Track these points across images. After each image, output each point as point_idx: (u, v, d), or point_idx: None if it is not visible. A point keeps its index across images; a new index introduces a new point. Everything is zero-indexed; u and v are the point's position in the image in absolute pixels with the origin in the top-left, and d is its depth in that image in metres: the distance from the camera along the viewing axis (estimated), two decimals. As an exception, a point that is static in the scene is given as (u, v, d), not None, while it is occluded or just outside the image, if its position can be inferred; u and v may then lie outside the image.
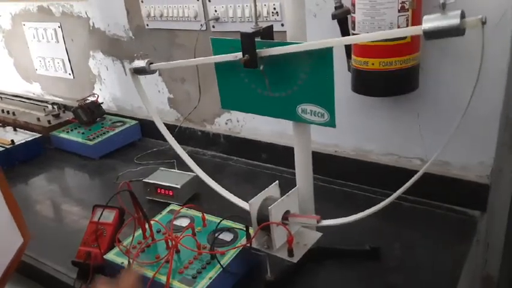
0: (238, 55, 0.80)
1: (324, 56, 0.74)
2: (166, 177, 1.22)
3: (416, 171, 0.76)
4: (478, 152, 1.03)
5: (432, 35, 0.61)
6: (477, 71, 0.79)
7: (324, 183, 1.22)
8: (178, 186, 1.17)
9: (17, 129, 1.68)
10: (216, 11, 1.31)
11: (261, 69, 0.79)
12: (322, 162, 1.18)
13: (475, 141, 1.01)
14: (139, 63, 1.00)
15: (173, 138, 1.05)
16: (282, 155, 1.26)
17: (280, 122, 0.87)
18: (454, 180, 1.06)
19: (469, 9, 0.90)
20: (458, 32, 0.59)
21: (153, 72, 1.01)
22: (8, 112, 1.86)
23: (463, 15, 0.59)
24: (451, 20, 0.59)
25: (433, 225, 1.03)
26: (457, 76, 0.99)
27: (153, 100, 1.60)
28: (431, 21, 0.60)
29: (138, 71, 1.01)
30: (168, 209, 1.08)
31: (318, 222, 0.83)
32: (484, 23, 0.58)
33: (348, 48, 1.02)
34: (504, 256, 1.17)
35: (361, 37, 0.73)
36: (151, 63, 1.00)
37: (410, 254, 0.94)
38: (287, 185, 0.90)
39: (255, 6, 0.81)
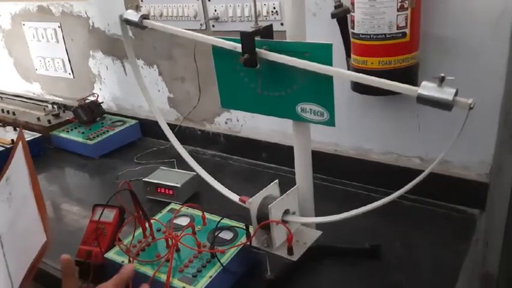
0: (238, 46, 0.80)
1: (323, 55, 0.74)
2: (167, 177, 1.22)
3: (416, 170, 0.76)
4: (478, 151, 1.03)
5: (423, 101, 0.66)
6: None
7: (324, 182, 1.23)
8: (179, 185, 1.18)
9: (17, 128, 1.69)
10: (215, 10, 1.31)
11: (257, 68, 0.79)
12: (322, 161, 1.18)
13: (475, 140, 1.01)
14: (132, 14, 0.93)
15: (172, 133, 1.04)
16: (282, 154, 1.26)
17: (280, 121, 0.87)
18: (454, 179, 1.06)
19: (470, 8, 0.92)
20: (447, 107, 0.64)
21: (143, 27, 0.94)
22: (8, 112, 1.87)
23: (456, 94, 0.64)
24: (445, 95, 0.64)
25: (432, 224, 1.03)
26: (456, 75, 0.98)
27: (153, 100, 1.60)
28: (427, 90, 0.65)
29: (129, 22, 0.96)
30: (168, 208, 1.09)
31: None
32: (471, 108, 0.62)
33: (348, 47, 1.02)
34: (503, 254, 1.17)
35: (360, 78, 0.75)
36: (146, 19, 0.93)
37: (410, 252, 0.95)
38: (287, 184, 0.90)
39: (255, 5, 0.82)
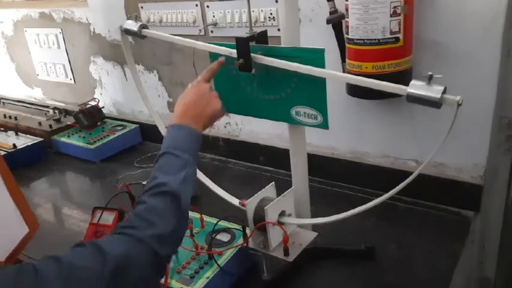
0: (233, 52, 0.81)
1: (316, 59, 0.76)
2: (166, 180, 1.23)
3: (411, 173, 0.77)
4: (473, 154, 1.04)
5: (413, 99, 0.68)
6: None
7: (321, 185, 1.24)
8: (177, 189, 1.19)
9: (19, 133, 1.71)
10: (214, 16, 1.33)
11: (252, 73, 0.81)
12: (319, 164, 1.20)
13: (469, 143, 1.03)
14: (131, 24, 0.96)
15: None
16: (280, 158, 1.27)
17: (277, 125, 0.89)
18: (449, 181, 1.07)
19: (461, 13, 0.94)
20: (436, 105, 0.66)
21: (143, 37, 0.97)
22: (10, 117, 1.89)
23: (444, 92, 0.65)
24: (433, 93, 0.65)
25: (427, 226, 1.05)
26: (449, 78, 1.00)
27: (153, 105, 1.61)
28: (416, 89, 0.67)
29: (128, 32, 0.98)
30: (167, 210, 1.10)
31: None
32: (459, 105, 0.63)
33: (343, 52, 1.04)
34: (500, 257, 1.18)
35: (350, 79, 0.79)
36: (145, 28, 0.96)
37: (405, 254, 0.96)
38: (284, 186, 0.92)
39: (250, 12, 0.84)
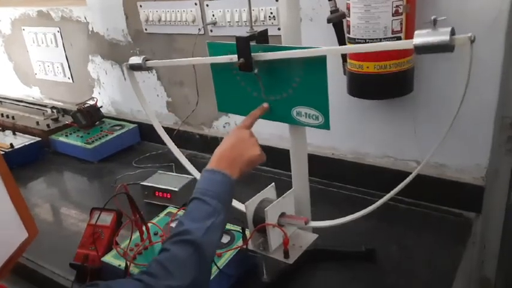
0: (234, 57, 0.81)
1: (317, 59, 0.75)
2: (164, 180, 1.23)
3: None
4: (474, 154, 1.03)
5: (423, 49, 0.63)
6: (471, 76, 0.80)
7: (321, 186, 1.23)
8: (176, 189, 1.18)
9: (16, 133, 1.69)
10: (213, 15, 1.32)
11: (255, 73, 0.80)
12: (319, 165, 1.19)
13: (471, 143, 1.02)
14: (136, 59, 1.00)
15: (169, 137, 1.05)
16: (280, 158, 1.26)
17: (277, 125, 0.87)
18: (450, 182, 1.06)
19: (463, 12, 0.93)
20: (448, 48, 0.61)
21: (149, 69, 1.02)
22: (7, 116, 1.87)
23: (453, 32, 0.61)
24: (441, 36, 0.61)
25: (428, 227, 1.04)
26: (451, 78, 1.00)
27: (152, 104, 1.61)
28: (422, 37, 0.63)
29: (134, 67, 1.02)
30: (165, 211, 1.09)
31: (306, 223, 0.84)
32: (472, 41, 0.59)
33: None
34: (500, 258, 1.18)
35: (353, 48, 0.76)
36: (148, 60, 1.00)
37: (406, 256, 0.95)
38: (285, 187, 0.91)
39: (250, 11, 0.82)
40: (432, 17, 0.61)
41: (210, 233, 0.68)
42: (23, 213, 0.75)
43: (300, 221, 0.84)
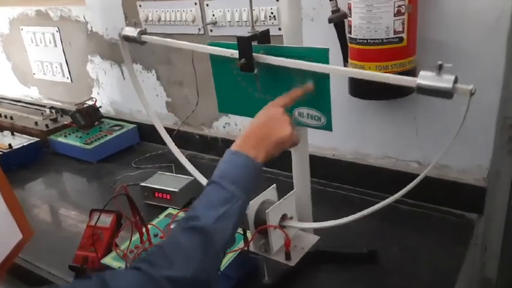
0: (235, 52, 0.80)
1: (320, 59, 0.74)
2: (164, 181, 1.22)
3: (413, 174, 0.76)
4: (476, 155, 1.03)
5: (423, 91, 0.64)
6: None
7: (322, 187, 1.23)
8: (176, 190, 1.17)
9: (15, 133, 1.68)
10: (213, 15, 1.31)
11: (255, 73, 0.79)
12: (320, 165, 1.18)
13: (473, 145, 1.01)
14: (130, 30, 0.94)
15: (170, 137, 1.04)
16: (280, 158, 1.26)
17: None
18: (452, 183, 1.06)
19: (465, 13, 0.92)
20: (448, 95, 0.62)
21: (142, 43, 0.95)
22: (5, 116, 1.86)
23: (455, 81, 0.62)
24: (444, 83, 0.62)
25: (430, 228, 1.03)
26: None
27: (151, 104, 1.59)
28: (426, 80, 0.64)
29: (128, 39, 0.96)
30: (165, 212, 1.08)
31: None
32: (472, 94, 0.61)
33: (345, 52, 1.02)
34: (502, 259, 1.17)
35: (356, 73, 0.76)
36: (144, 34, 0.94)
37: (408, 257, 0.94)
38: (285, 188, 0.90)
39: (251, 10, 0.82)
40: (438, 62, 0.62)
41: (223, 220, 0.61)
42: (17, 215, 0.75)
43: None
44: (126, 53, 1.00)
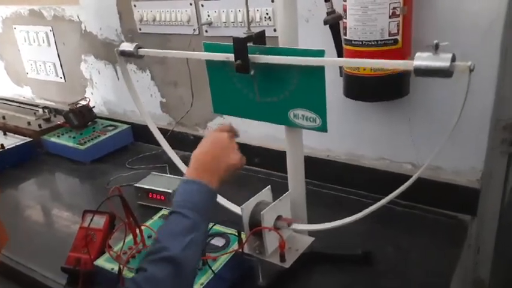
0: (230, 56, 0.79)
1: (315, 61, 0.74)
2: (158, 182, 1.21)
3: (407, 176, 0.76)
4: (469, 157, 1.03)
5: (422, 72, 0.63)
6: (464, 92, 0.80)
7: (316, 188, 1.22)
8: (170, 191, 1.17)
9: (7, 133, 1.67)
10: (209, 15, 1.31)
11: (251, 74, 0.79)
12: (314, 166, 1.18)
13: (466, 146, 1.02)
14: (127, 45, 0.96)
15: (164, 138, 1.04)
16: (274, 159, 1.26)
17: (272, 126, 0.87)
18: (446, 185, 1.06)
19: (460, 15, 0.93)
20: (447, 74, 0.61)
21: (140, 56, 0.97)
22: (-2, 116, 1.85)
23: (453, 59, 0.60)
24: (441, 62, 0.61)
25: (424, 230, 1.04)
26: (447, 81, 0.99)
27: (145, 104, 1.59)
28: (422, 60, 0.62)
29: (125, 54, 0.98)
30: (159, 214, 1.08)
31: (288, 225, 0.83)
32: (471, 70, 0.59)
33: (340, 53, 1.02)
34: (495, 260, 1.18)
35: (352, 61, 0.76)
36: (140, 48, 0.96)
37: (402, 258, 0.95)
38: (279, 189, 0.90)
39: (247, 11, 0.81)
40: (434, 41, 0.61)
41: (190, 248, 0.64)
42: None
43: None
44: (124, 69, 1.02)
